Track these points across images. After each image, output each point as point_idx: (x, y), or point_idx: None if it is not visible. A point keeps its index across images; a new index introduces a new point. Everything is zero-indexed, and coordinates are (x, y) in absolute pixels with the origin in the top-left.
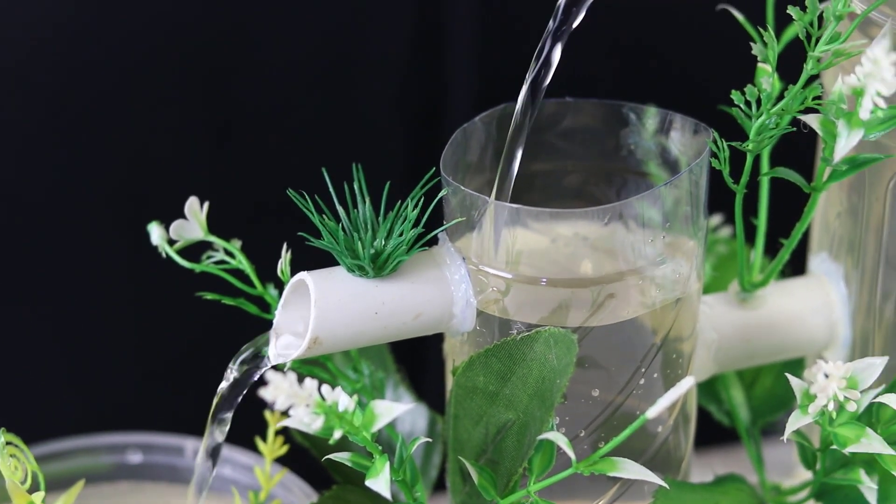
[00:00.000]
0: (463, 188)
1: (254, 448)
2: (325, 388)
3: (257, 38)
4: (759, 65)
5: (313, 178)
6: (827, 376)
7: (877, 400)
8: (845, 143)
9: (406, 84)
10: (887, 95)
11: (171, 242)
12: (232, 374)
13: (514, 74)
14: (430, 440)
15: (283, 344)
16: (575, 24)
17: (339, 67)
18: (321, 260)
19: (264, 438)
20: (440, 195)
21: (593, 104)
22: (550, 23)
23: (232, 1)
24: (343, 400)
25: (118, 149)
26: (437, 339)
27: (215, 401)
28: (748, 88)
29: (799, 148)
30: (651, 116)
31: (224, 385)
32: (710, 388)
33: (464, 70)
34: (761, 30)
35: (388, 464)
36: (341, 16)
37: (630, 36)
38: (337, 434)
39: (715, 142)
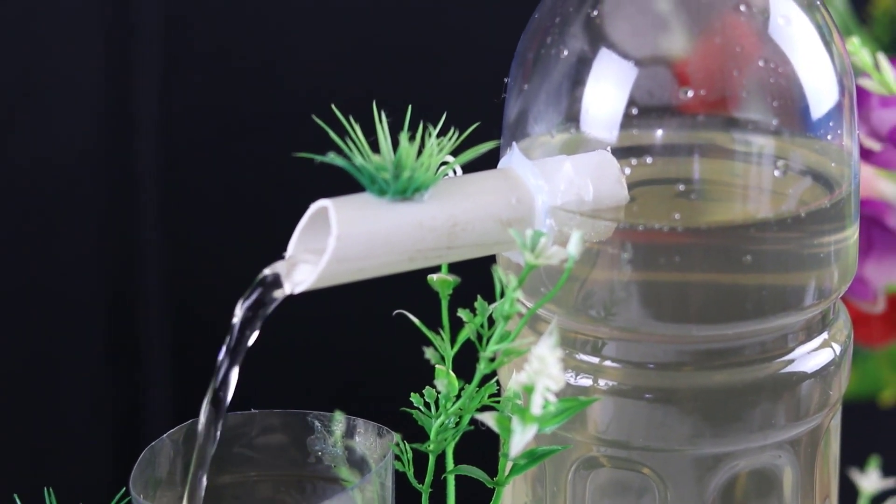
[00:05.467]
0: None
1: None
2: None
3: None
4: (437, 366)
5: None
6: None
7: None
8: (520, 438)
9: (102, 398)
10: (556, 391)
11: None
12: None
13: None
14: None
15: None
16: (251, 341)
17: (33, 378)
18: None
19: None
20: None
21: (278, 414)
22: (227, 340)
23: None
24: None
25: None
26: None
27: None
28: (426, 390)
29: (486, 442)
30: (336, 423)
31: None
32: None
33: (160, 379)
34: (433, 334)
35: None
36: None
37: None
38: None
39: (398, 444)
